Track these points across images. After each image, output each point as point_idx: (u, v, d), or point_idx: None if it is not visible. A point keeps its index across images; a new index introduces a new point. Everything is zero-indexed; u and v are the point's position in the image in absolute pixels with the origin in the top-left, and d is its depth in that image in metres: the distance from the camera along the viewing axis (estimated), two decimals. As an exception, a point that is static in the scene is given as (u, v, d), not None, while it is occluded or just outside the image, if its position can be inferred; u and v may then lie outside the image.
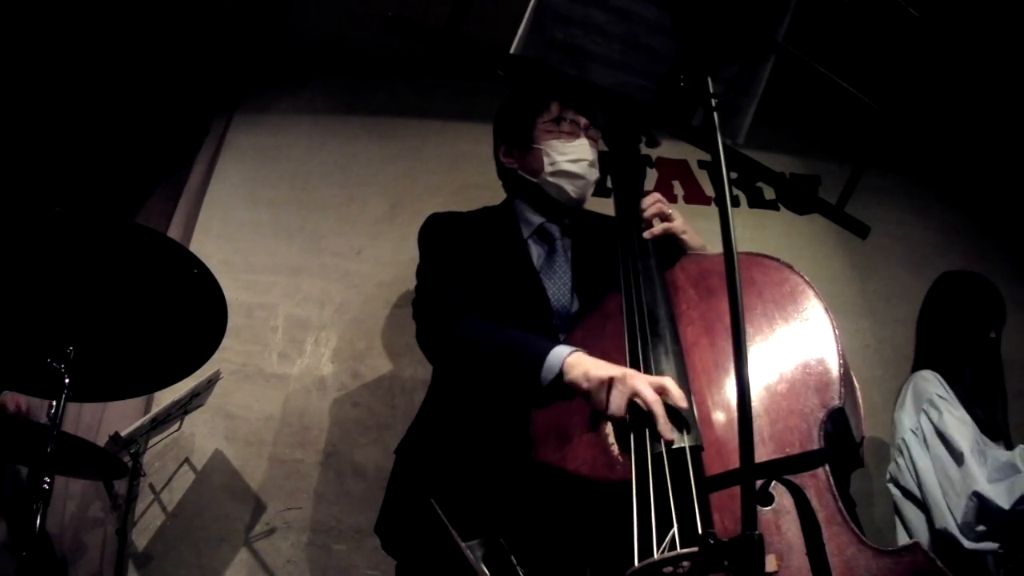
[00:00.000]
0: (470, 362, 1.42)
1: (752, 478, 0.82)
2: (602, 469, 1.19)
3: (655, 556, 0.99)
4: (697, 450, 1.14)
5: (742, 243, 1.01)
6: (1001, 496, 1.70)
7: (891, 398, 2.15)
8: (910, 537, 1.90)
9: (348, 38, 2.83)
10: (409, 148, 2.86)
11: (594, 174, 1.69)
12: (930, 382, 2.01)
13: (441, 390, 1.64)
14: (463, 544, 0.97)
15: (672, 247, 1.55)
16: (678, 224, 1.55)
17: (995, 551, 1.74)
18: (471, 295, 1.52)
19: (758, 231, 2.83)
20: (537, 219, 1.71)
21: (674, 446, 1.13)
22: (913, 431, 1.96)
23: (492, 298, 1.53)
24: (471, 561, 0.94)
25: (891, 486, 2.02)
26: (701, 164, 2.91)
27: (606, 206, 1.74)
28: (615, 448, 1.20)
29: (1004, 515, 1.70)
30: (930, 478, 1.87)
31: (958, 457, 1.83)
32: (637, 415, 1.17)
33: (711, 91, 0.98)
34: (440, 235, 1.66)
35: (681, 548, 0.99)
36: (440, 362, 1.56)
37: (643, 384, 1.17)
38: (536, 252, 1.68)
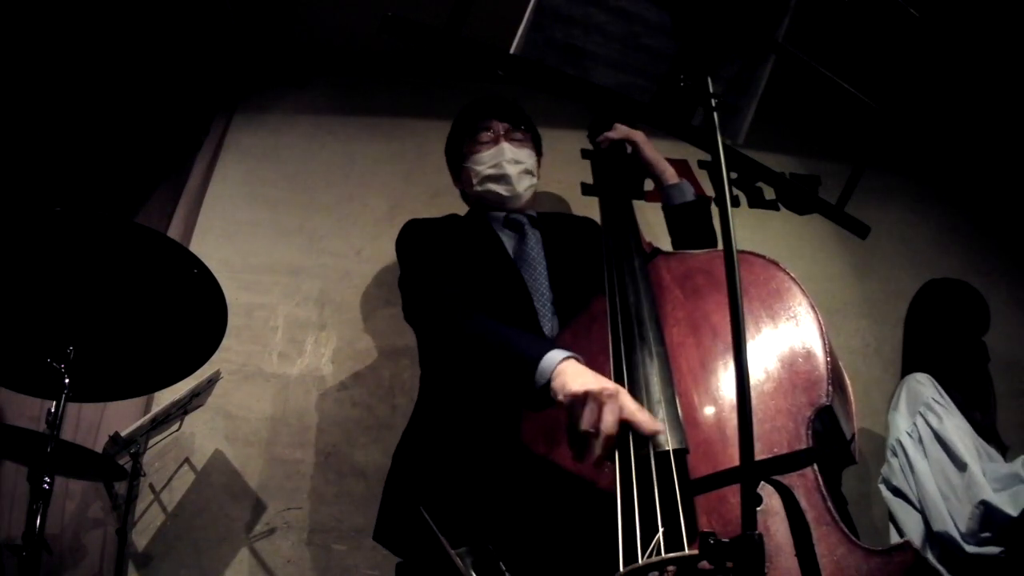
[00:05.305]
0: (473, 359, 1.41)
1: (749, 479, 0.82)
2: (588, 470, 1.17)
3: (640, 562, 0.98)
4: (682, 453, 1.13)
5: (742, 243, 1.01)
6: (1007, 505, 1.74)
7: (891, 398, 2.15)
8: (902, 537, 1.90)
9: (348, 38, 2.83)
10: (409, 148, 2.86)
11: (518, 168, 1.77)
12: (925, 385, 2.02)
13: (431, 393, 1.64)
14: (452, 552, 0.97)
15: (637, 167, 1.56)
16: (641, 135, 1.57)
17: (996, 555, 1.76)
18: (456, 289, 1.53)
19: (758, 231, 2.83)
20: (500, 214, 1.78)
21: (658, 449, 1.12)
22: (909, 433, 1.97)
23: (473, 290, 1.54)
24: (460, 569, 0.94)
25: (882, 487, 2.03)
26: (701, 164, 2.91)
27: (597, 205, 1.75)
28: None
29: (1011, 522, 1.73)
30: (929, 482, 1.88)
31: (960, 465, 1.84)
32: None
33: (711, 91, 0.99)
34: (419, 239, 1.70)
35: (666, 553, 0.98)
36: (449, 357, 1.55)
37: (626, 401, 1.14)
38: (508, 241, 1.72)
